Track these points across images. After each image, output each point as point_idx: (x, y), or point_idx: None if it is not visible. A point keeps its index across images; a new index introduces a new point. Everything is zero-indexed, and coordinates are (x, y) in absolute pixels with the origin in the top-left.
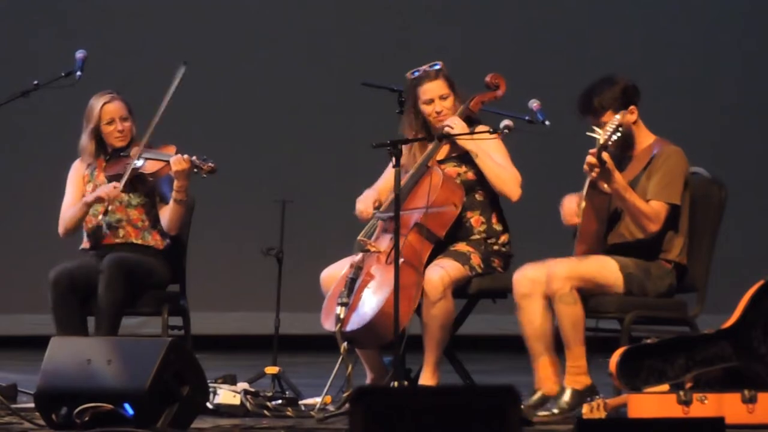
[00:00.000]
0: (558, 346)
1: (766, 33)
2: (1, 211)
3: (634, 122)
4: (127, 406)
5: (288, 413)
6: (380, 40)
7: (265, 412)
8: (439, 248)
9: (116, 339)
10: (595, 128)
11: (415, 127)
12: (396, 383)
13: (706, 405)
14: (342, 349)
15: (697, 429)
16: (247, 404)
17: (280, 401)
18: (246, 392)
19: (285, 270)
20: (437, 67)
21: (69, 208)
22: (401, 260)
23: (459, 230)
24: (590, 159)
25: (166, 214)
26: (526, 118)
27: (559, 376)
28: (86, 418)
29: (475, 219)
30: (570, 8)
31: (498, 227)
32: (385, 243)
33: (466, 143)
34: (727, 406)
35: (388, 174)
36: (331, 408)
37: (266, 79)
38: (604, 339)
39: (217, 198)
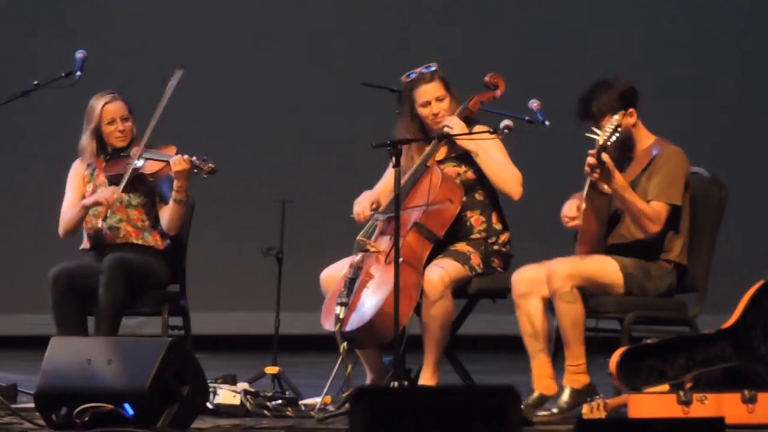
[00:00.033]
0: (557, 348)
1: (766, 33)
2: (1, 211)
3: (633, 125)
4: (127, 406)
5: (288, 413)
6: (380, 40)
7: (265, 412)
8: (439, 248)
9: (116, 339)
10: (594, 129)
11: (412, 130)
12: (396, 383)
13: (706, 405)
14: (342, 349)
15: (697, 429)
16: (247, 404)
17: (280, 401)
18: (246, 392)
19: (285, 270)
20: (432, 68)
21: (68, 210)
22: (401, 260)
23: (459, 230)
24: (590, 160)
25: (166, 215)
26: (526, 118)
27: (555, 375)
28: (86, 418)
29: (475, 218)
30: (570, 8)
31: (498, 226)
32: (384, 243)
33: (466, 143)
34: (727, 406)
35: (387, 177)
36: (331, 408)
37: (266, 79)
38: (605, 339)
39: (217, 198)
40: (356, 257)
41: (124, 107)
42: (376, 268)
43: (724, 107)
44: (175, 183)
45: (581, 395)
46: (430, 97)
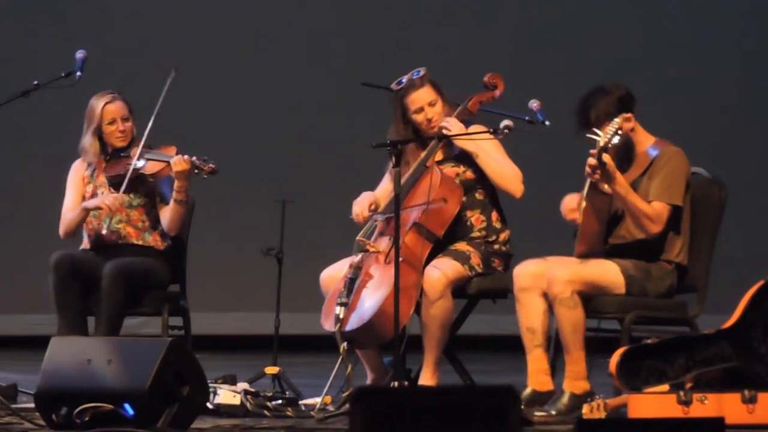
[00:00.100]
0: (557, 350)
1: (766, 33)
2: (1, 211)
3: (632, 129)
4: (127, 406)
5: (288, 413)
6: (380, 40)
7: (265, 412)
8: (439, 247)
9: (116, 339)
10: (595, 130)
11: (404, 135)
12: (396, 383)
13: (706, 405)
14: (342, 349)
15: (697, 429)
16: (247, 404)
17: (280, 401)
18: (246, 392)
19: (285, 270)
20: (421, 73)
21: (69, 212)
22: (400, 260)
23: (459, 229)
24: (591, 161)
25: (167, 215)
26: (526, 118)
27: (550, 372)
28: (86, 418)
29: (475, 218)
30: (570, 8)
31: (498, 225)
32: (384, 243)
33: (465, 144)
34: (727, 406)
35: (387, 181)
36: (331, 408)
37: (266, 79)
38: (605, 339)
39: (217, 198)
40: (356, 257)
41: (124, 107)
42: (376, 268)
43: (724, 107)
44: (176, 183)
45: (581, 401)
46: (423, 103)
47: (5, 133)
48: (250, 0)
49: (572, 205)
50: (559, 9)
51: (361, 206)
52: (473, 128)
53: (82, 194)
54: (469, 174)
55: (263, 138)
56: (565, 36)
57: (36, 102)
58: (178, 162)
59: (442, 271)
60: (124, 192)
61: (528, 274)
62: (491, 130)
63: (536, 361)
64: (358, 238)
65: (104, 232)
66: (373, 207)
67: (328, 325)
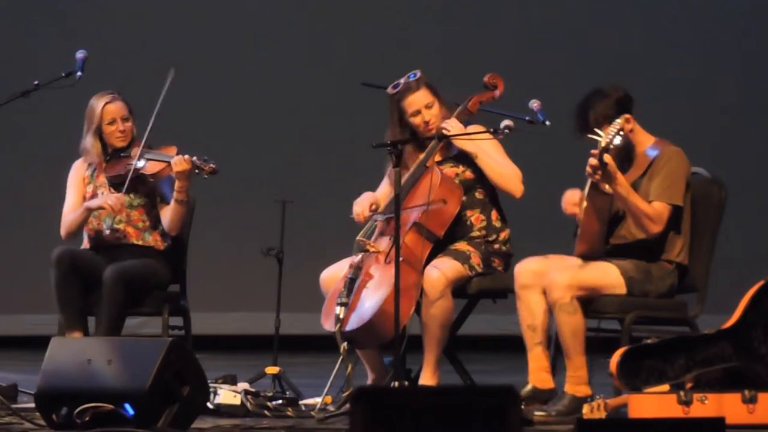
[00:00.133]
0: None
1: (766, 33)
2: (1, 211)
3: (631, 130)
4: (127, 406)
5: (288, 413)
6: (380, 40)
7: (266, 412)
8: (439, 247)
9: (116, 339)
10: (596, 131)
11: (401, 138)
12: (396, 383)
13: (707, 405)
14: (342, 350)
15: (697, 429)
16: (248, 404)
17: (280, 401)
18: (246, 392)
19: (285, 270)
20: (417, 76)
21: (70, 212)
22: (400, 260)
23: (459, 229)
24: (592, 161)
25: (167, 215)
26: (527, 118)
27: (550, 370)
28: (86, 418)
29: (475, 217)
30: (570, 8)
31: (498, 224)
32: (384, 243)
33: (464, 144)
34: (728, 406)
35: (386, 182)
36: (331, 408)
37: (266, 79)
38: (605, 339)
39: (217, 198)
40: (356, 257)
41: (124, 107)
42: (376, 268)
43: (724, 107)
44: (176, 183)
45: (582, 402)
46: (420, 106)
47: (5, 133)
48: (250, 0)
49: (573, 199)
50: (559, 9)
51: (361, 206)
52: (472, 128)
53: (83, 194)
54: (469, 174)
55: (263, 138)
56: (565, 36)
57: (36, 102)
58: (179, 162)
59: (442, 271)
60: (125, 192)
61: (529, 271)
62: (491, 130)
63: (537, 358)
64: (358, 238)
65: (106, 232)
66: (373, 207)
67: (329, 325)
